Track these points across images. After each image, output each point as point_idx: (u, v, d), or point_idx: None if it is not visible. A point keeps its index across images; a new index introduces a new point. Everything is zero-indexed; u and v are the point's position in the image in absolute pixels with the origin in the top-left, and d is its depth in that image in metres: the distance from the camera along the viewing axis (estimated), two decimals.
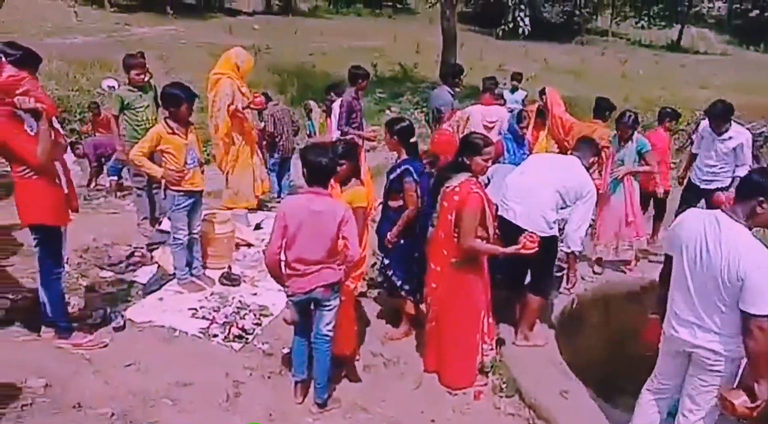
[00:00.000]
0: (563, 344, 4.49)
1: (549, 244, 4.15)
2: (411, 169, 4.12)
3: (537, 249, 3.68)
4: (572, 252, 4.35)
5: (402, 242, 4.24)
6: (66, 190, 3.55)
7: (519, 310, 4.50)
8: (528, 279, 4.43)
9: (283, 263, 3.36)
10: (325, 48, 22.14)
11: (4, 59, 3.28)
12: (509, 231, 3.96)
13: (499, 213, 4.22)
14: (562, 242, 4.34)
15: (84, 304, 4.27)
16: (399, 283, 4.36)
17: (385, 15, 35.18)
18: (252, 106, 5.99)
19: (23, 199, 3.40)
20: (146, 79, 5.57)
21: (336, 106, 6.51)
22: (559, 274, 4.84)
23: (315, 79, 15.95)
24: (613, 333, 5.06)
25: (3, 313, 3.89)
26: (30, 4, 23.07)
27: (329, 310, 3.46)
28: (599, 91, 8.80)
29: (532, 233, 3.74)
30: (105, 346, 3.80)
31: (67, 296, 3.91)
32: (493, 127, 6.15)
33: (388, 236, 4.26)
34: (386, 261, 4.40)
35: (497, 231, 3.91)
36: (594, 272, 5.80)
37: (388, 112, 14.18)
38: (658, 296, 3.12)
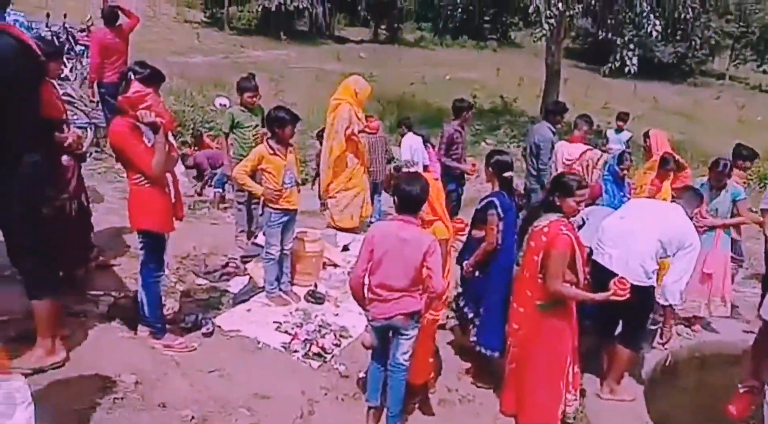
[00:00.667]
0: (652, 402, 4.21)
1: (645, 294, 3.95)
2: (496, 202, 4.08)
3: (628, 297, 3.50)
4: (669, 305, 4.10)
5: (477, 274, 4.19)
6: (173, 200, 3.79)
7: (607, 361, 4.28)
8: (619, 329, 4.21)
9: (366, 287, 3.40)
10: (427, 78, 22.42)
11: (133, 77, 3.59)
12: (604, 276, 3.79)
13: (593, 257, 4.07)
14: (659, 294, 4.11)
15: (178, 307, 4.51)
16: (470, 316, 4.30)
17: (489, 48, 35.23)
18: (366, 130, 6.26)
19: (135, 205, 3.67)
20: (257, 101, 5.89)
21: (406, 139, 6.57)
22: (653, 327, 4.57)
23: (413, 109, 16.16)
24: (707, 397, 4.68)
25: (106, 309, 4.18)
26: (161, 26, 25.08)
27: (407, 339, 3.45)
28: (712, 136, 8.32)
29: (623, 279, 3.57)
30: (193, 350, 3.98)
31: (163, 299, 4.14)
32: (572, 166, 6.02)
33: (464, 266, 4.23)
34: (460, 291, 4.36)
35: (589, 276, 3.76)
36: (691, 329, 5.42)
37: (483, 144, 14.08)
38: (751, 367, 2.86)
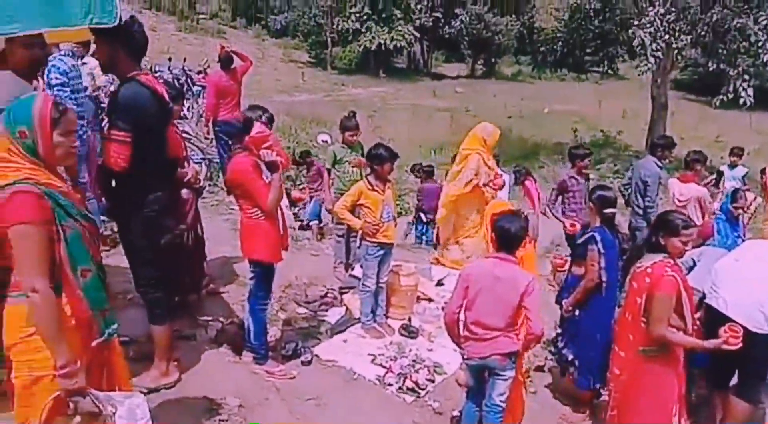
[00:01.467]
0: None
1: (764, 342, 3.66)
2: (597, 237, 3.97)
3: (744, 345, 3.27)
4: None
5: (577, 313, 4.06)
6: (281, 231, 4.02)
7: (721, 414, 3.98)
8: (735, 379, 3.92)
9: (461, 324, 3.41)
10: (525, 111, 22.20)
11: (254, 118, 3.88)
12: (718, 322, 3.56)
13: (706, 301, 3.84)
14: None
15: (280, 335, 4.71)
16: (570, 358, 4.16)
17: (591, 80, 34.38)
18: (491, 186, 6.23)
19: (249, 237, 3.92)
20: (356, 139, 6.12)
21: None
22: None
23: (510, 143, 16.04)
24: None
25: (214, 334, 4.44)
26: (269, 67, 26.61)
27: (504, 380, 3.40)
28: None
29: (734, 325, 3.34)
30: (292, 377, 4.13)
31: (267, 326, 4.35)
32: (685, 206, 5.70)
33: (563, 305, 4.12)
34: (559, 331, 4.24)
35: (700, 321, 3.55)
36: None
37: None
38: None
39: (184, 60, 13.25)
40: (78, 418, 2.25)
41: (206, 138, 8.43)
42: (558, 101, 25.00)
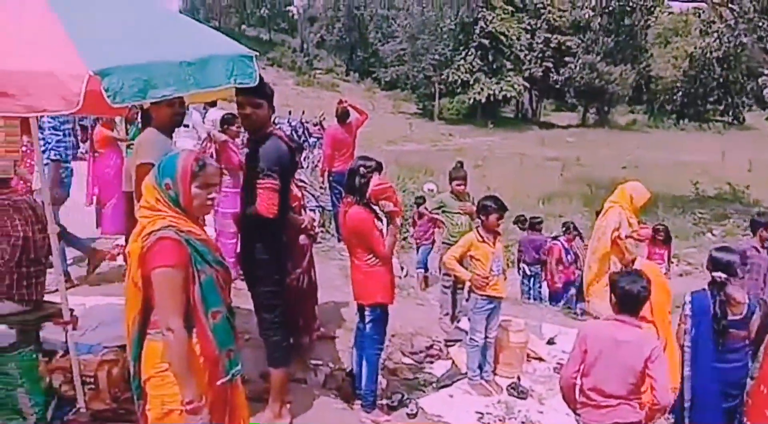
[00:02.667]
0: None
1: None
2: (687, 299, 3.87)
3: None
4: None
5: None
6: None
7: None
8: None
9: (577, 389, 3.23)
10: (641, 162, 21.28)
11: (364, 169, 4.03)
12: None
13: None
14: None
15: (386, 384, 4.69)
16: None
17: (713, 130, 32.45)
18: (635, 237, 6.06)
19: (364, 282, 4.04)
20: (464, 189, 6.14)
21: None
22: None
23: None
24: None
25: (323, 379, 4.52)
26: (378, 118, 27.57)
27: None
28: None
29: None
30: None
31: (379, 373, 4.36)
32: None
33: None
34: (687, 402, 3.91)
35: None
36: None
37: (709, 234, 12.77)
38: None
39: (303, 113, 14.08)
40: None
41: (321, 187, 8.81)
42: (677, 151, 23.75)
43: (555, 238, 9.02)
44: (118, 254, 6.71)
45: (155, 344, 2.40)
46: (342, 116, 8.21)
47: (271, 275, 3.57)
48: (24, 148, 5.25)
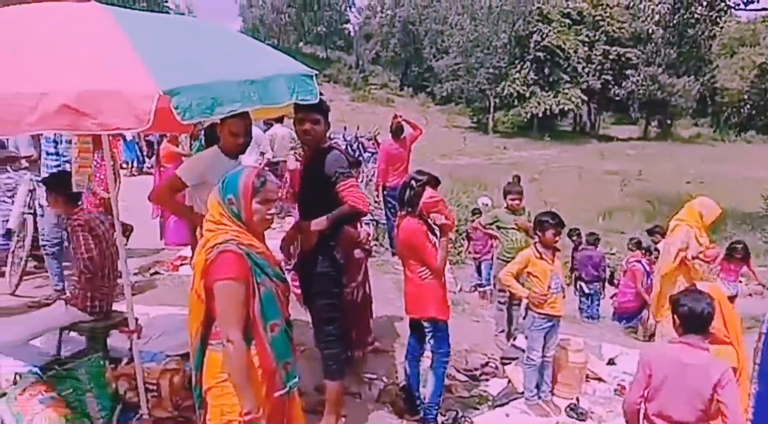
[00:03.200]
0: None
1: None
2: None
3: None
4: None
5: None
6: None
7: None
8: None
9: (641, 415, 3.11)
10: (706, 176, 20.47)
11: (416, 183, 4.03)
12: None
13: None
14: None
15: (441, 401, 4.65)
16: None
17: None
18: (702, 258, 5.86)
19: (417, 296, 4.03)
20: (519, 204, 6.04)
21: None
22: None
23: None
24: None
25: (377, 393, 4.52)
26: (432, 132, 27.61)
27: None
28: None
29: None
30: None
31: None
32: None
33: None
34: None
35: None
36: None
37: None
38: None
39: (357, 128, 14.25)
40: None
41: (375, 201, 8.87)
42: (745, 166, 22.72)
43: (636, 257, 8.70)
44: (180, 265, 6.95)
45: (216, 355, 2.46)
46: (397, 131, 8.26)
47: (330, 288, 3.64)
48: (95, 163, 5.53)
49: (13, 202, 6.46)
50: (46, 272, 6.87)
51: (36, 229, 6.65)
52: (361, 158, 12.12)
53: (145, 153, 14.79)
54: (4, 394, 3.67)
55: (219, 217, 2.53)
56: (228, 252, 2.44)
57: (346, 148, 13.13)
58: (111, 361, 3.98)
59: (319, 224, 3.51)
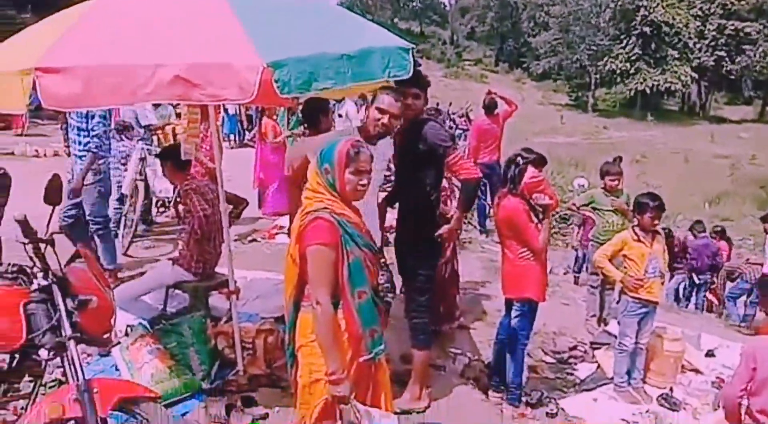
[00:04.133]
0: None
1: None
2: None
3: None
4: None
5: None
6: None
7: None
8: None
9: (743, 409, 2.95)
10: None
11: (523, 162, 3.95)
12: None
13: None
14: None
15: (524, 382, 4.60)
16: None
17: None
18: None
19: (518, 276, 3.98)
20: (617, 185, 5.78)
21: None
22: None
23: None
24: None
25: (461, 368, 4.54)
26: (527, 109, 26.85)
27: None
28: None
29: None
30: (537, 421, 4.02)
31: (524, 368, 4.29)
32: None
33: None
34: None
35: None
36: None
37: None
38: None
39: (449, 105, 14.09)
40: (340, 422, 2.50)
41: None
42: None
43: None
44: (277, 234, 7.26)
45: (307, 316, 2.57)
46: (490, 106, 8.12)
47: (427, 259, 3.70)
48: (201, 136, 5.85)
49: (126, 169, 7.00)
50: (155, 234, 7.43)
51: (147, 195, 7.18)
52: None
53: (245, 127, 15.44)
54: (118, 343, 4.04)
55: (316, 185, 2.62)
56: (321, 219, 2.52)
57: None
58: (211, 319, 4.25)
59: (460, 213, 3.75)
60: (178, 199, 4.92)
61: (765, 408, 2.83)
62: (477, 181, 3.69)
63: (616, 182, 5.72)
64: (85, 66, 2.70)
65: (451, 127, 12.46)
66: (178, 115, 9.19)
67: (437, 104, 14.35)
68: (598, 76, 34.67)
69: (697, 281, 8.52)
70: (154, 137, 8.22)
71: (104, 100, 2.86)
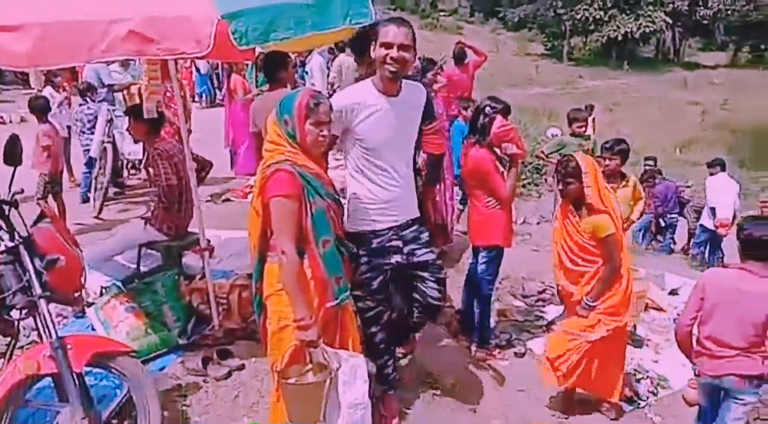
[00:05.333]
0: None
1: None
2: None
3: None
4: None
5: None
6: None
7: None
8: None
9: (694, 338, 3.11)
10: None
11: (491, 111, 3.95)
12: None
13: None
14: None
15: (494, 325, 4.77)
16: None
17: None
18: None
19: (484, 224, 4.06)
20: (584, 131, 5.87)
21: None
22: None
23: None
24: None
25: (446, 320, 4.65)
26: (502, 59, 26.60)
27: (741, 404, 3.02)
28: None
29: None
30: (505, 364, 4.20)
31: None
32: None
33: None
34: None
35: None
36: None
37: None
38: None
39: (421, 58, 13.89)
40: (310, 365, 2.60)
41: None
42: None
43: None
44: (249, 193, 7.26)
45: (273, 266, 2.63)
46: (458, 57, 8.07)
47: None
48: (167, 94, 5.76)
49: (92, 132, 6.89)
50: (126, 197, 7.39)
51: (116, 157, 7.10)
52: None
53: (215, 86, 15.14)
54: (92, 303, 4.09)
55: (276, 137, 2.64)
56: (282, 171, 2.55)
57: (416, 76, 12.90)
58: (185, 277, 4.30)
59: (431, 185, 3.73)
60: (147, 161, 4.88)
61: (711, 335, 2.98)
62: (442, 156, 3.55)
63: (583, 128, 5.81)
64: (39, 23, 2.66)
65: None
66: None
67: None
68: (572, 23, 34.36)
69: (662, 224, 8.74)
70: (118, 97, 8.07)
71: (60, 59, 2.82)
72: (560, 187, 3.66)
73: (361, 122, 2.86)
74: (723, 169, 8.56)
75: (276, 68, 4.22)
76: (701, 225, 8.50)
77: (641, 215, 5.15)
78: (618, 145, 4.55)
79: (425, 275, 3.09)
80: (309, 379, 2.58)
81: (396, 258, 3.00)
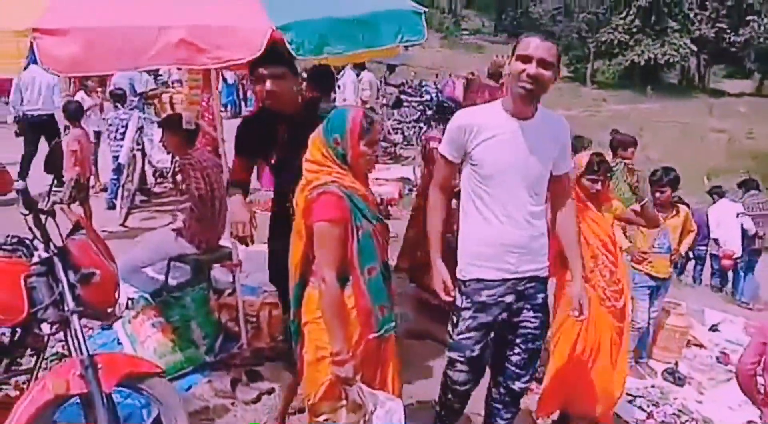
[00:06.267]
0: None
1: None
2: None
3: None
4: None
5: None
6: None
7: None
8: None
9: (761, 387, 2.91)
10: None
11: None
12: None
13: None
14: None
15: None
16: None
17: None
18: None
19: None
20: (633, 156, 5.65)
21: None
22: None
23: None
24: None
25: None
26: None
27: None
28: None
29: None
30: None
31: None
32: None
33: None
34: None
35: None
36: None
37: None
38: None
39: (436, 76, 13.89)
40: (344, 403, 2.43)
41: None
42: None
43: None
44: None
45: (314, 292, 2.47)
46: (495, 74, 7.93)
47: None
48: (204, 104, 5.69)
49: (123, 139, 6.86)
50: (152, 205, 7.33)
51: (144, 164, 7.06)
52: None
53: (241, 97, 15.19)
54: (120, 317, 3.97)
55: (321, 158, 2.48)
56: (329, 194, 2.40)
57: (437, 95, 12.84)
58: (214, 291, 4.18)
59: None
60: (177, 170, 4.79)
61: None
62: None
63: (632, 154, 5.52)
64: (87, 28, 2.59)
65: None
66: (165, 84, 8.97)
67: (436, 75, 14.19)
68: (596, 45, 34.25)
69: (691, 256, 8.49)
70: (150, 105, 8.05)
71: (106, 65, 2.76)
72: (598, 187, 3.42)
73: (479, 145, 2.49)
74: (721, 196, 8.52)
75: (328, 79, 4.20)
76: (712, 254, 8.40)
77: (690, 248, 4.95)
78: (667, 176, 4.39)
79: (517, 341, 2.64)
80: (341, 418, 2.42)
81: (503, 315, 2.58)
